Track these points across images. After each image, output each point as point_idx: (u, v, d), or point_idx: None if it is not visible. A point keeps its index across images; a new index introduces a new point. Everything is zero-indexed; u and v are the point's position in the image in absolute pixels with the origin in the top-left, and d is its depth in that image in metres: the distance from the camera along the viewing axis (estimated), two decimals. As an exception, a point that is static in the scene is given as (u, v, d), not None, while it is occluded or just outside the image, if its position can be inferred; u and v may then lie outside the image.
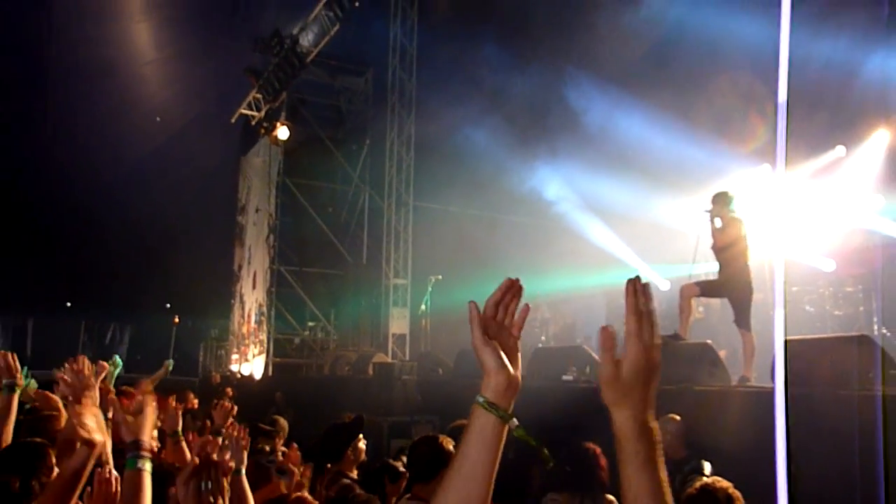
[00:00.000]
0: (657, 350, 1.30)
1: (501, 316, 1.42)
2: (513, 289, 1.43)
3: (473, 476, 1.33)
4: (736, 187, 8.68)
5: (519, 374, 1.40)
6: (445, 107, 15.55)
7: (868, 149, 12.08)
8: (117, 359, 5.52)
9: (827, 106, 11.40)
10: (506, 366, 1.37)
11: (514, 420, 1.35)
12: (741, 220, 7.52)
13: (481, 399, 1.36)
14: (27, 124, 18.30)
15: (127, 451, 2.26)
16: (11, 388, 3.51)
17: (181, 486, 1.84)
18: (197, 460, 1.87)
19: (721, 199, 7.59)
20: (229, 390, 11.75)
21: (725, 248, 7.48)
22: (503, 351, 1.38)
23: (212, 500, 1.83)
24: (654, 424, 1.28)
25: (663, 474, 1.24)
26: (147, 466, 2.22)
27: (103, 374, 4.21)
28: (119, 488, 2.41)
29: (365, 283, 16.91)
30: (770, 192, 11.51)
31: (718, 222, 7.57)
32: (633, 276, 1.34)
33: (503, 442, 1.35)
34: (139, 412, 2.35)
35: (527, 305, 1.43)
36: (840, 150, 12.28)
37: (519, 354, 1.42)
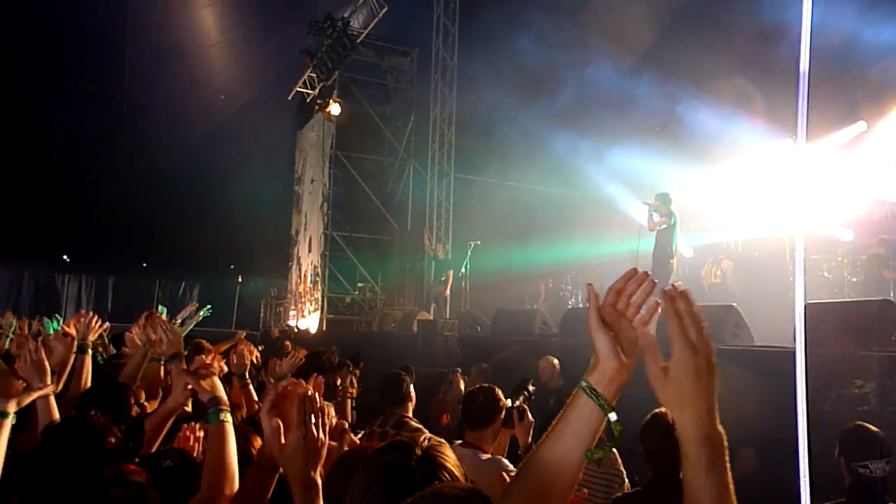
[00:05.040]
0: (709, 350, 1.14)
1: (623, 305, 1.24)
2: (637, 281, 1.24)
3: (565, 456, 1.22)
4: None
5: (630, 367, 1.23)
6: (485, 85, 15.30)
7: (889, 124, 11.52)
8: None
9: (848, 82, 10.90)
10: (617, 355, 1.22)
11: (614, 414, 1.20)
12: (674, 214, 9.40)
13: (584, 384, 1.22)
14: (108, 103, 18.55)
15: (207, 407, 2.21)
16: (83, 349, 3.55)
17: (265, 417, 1.66)
18: (274, 395, 1.70)
19: (661, 198, 9.46)
20: (287, 344, 11.79)
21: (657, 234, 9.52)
22: (619, 342, 1.23)
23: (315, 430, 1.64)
24: (721, 429, 1.11)
25: (728, 479, 1.08)
26: (228, 418, 2.17)
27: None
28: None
29: (409, 247, 16.95)
30: (791, 163, 11.13)
31: (656, 216, 9.49)
32: (673, 285, 1.18)
33: (600, 431, 1.22)
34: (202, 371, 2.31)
35: (656, 303, 1.22)
36: (861, 125, 11.76)
37: (635, 350, 1.24)
